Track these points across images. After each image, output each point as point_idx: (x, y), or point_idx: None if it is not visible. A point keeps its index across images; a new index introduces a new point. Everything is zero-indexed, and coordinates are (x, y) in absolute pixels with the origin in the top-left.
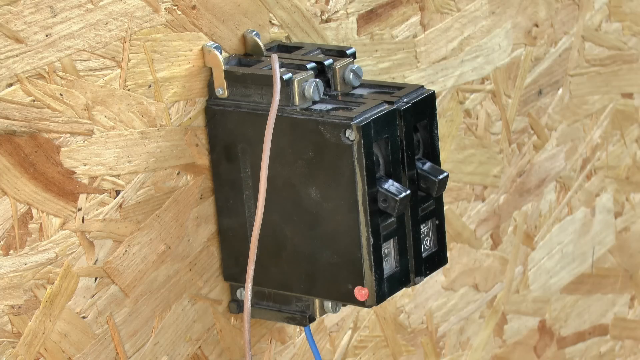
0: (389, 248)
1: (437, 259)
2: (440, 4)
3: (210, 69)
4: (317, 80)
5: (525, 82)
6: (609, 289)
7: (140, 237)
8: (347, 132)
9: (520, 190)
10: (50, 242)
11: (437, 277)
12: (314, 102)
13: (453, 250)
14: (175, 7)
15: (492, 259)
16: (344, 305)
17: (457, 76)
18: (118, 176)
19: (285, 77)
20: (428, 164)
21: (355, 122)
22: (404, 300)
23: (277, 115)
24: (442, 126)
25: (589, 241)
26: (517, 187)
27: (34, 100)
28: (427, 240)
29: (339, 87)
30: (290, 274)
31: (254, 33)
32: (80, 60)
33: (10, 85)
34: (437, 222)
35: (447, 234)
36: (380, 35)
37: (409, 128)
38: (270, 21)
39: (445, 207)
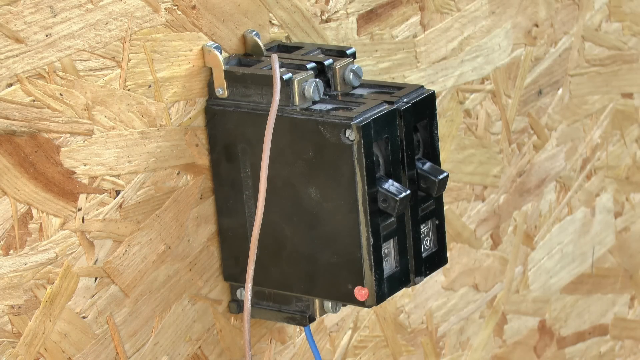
0: (389, 248)
1: (437, 259)
2: (440, 4)
3: (210, 69)
4: (317, 80)
5: (525, 82)
6: (609, 289)
7: (140, 237)
8: (347, 132)
9: (520, 190)
10: (50, 242)
11: (437, 277)
12: (314, 102)
13: (453, 250)
14: (175, 7)
15: (492, 259)
16: (344, 305)
17: (457, 76)
18: (118, 176)
19: (285, 77)
20: (428, 164)
21: (355, 122)
22: (404, 300)
23: (277, 115)
24: (442, 126)
25: (589, 241)
26: (517, 187)
27: (34, 100)
28: (427, 240)
29: (339, 87)
30: (290, 274)
31: (254, 33)
32: (80, 60)
33: (10, 85)
34: (437, 222)
35: (447, 234)
36: (380, 35)
37: (409, 128)
38: (270, 21)
39: (445, 207)
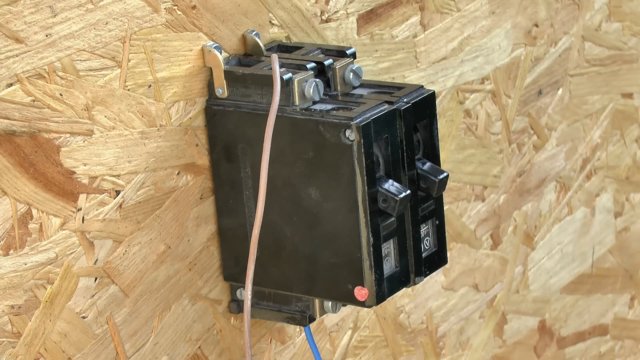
0: (389, 248)
1: (437, 259)
2: (440, 4)
3: (210, 69)
4: (317, 80)
5: (525, 82)
6: (609, 289)
7: (140, 237)
8: (347, 132)
9: (520, 190)
10: (50, 242)
11: (437, 277)
12: (314, 102)
13: (453, 250)
14: (175, 7)
15: (492, 259)
16: (344, 305)
17: (457, 76)
18: (118, 176)
19: (285, 77)
20: (428, 164)
21: (355, 122)
22: (404, 300)
23: (277, 115)
24: (442, 126)
25: (589, 241)
26: (517, 187)
27: (34, 100)
28: (427, 240)
29: (339, 87)
30: (290, 274)
31: (254, 33)
32: (80, 60)
33: (10, 85)
34: (437, 222)
35: (447, 234)
36: (380, 35)
37: (409, 128)
38: (270, 21)
39: (445, 207)
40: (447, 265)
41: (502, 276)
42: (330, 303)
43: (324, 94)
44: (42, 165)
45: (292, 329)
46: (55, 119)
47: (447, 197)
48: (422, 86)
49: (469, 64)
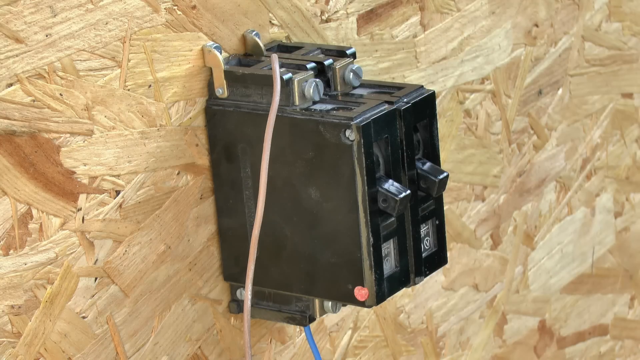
0: (389, 248)
1: (437, 259)
2: (440, 4)
3: (210, 69)
4: (317, 80)
5: (525, 82)
6: (609, 289)
7: (140, 237)
8: (347, 132)
9: (520, 190)
10: (50, 242)
11: (437, 277)
12: (314, 102)
13: (453, 250)
14: (175, 7)
15: (492, 259)
16: (344, 305)
17: (457, 76)
18: (118, 176)
19: (285, 77)
20: (428, 164)
21: (355, 122)
22: (404, 300)
23: (277, 115)
24: (442, 126)
25: (589, 241)
26: (517, 187)
27: (34, 100)
28: (427, 240)
29: (339, 87)
30: (290, 274)
31: (254, 33)
32: (80, 60)
33: (10, 85)
34: (437, 222)
35: (447, 234)
36: (380, 35)
37: (409, 128)
38: (270, 21)
39: (445, 207)
40: (447, 265)
41: (502, 276)
42: (330, 303)
43: (324, 94)
44: (42, 165)
45: (292, 329)
46: (55, 119)
47: (447, 197)
48: (422, 86)
49: (469, 64)
